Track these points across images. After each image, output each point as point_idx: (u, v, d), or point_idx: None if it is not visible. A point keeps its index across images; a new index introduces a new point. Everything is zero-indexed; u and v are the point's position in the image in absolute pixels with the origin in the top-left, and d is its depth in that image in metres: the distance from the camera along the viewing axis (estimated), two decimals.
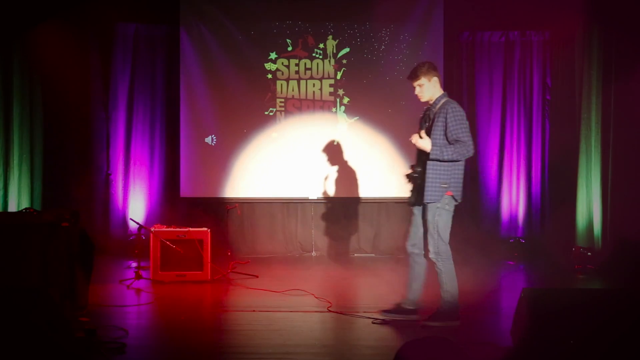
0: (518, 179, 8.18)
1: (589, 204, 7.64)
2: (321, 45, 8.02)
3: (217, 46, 7.98)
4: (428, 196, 4.60)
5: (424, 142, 4.53)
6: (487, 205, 8.20)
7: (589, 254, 7.12)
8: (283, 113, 8.05)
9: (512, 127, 8.19)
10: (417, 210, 4.75)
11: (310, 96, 8.06)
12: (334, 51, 8.03)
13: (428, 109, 4.75)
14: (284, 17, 7.99)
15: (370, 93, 7.97)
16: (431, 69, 4.66)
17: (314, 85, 8.04)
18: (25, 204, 7.24)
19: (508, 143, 8.19)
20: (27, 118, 7.40)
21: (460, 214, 7.98)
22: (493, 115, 8.20)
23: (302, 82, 8.05)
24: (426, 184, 4.60)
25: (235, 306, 5.35)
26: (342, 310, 5.02)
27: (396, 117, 7.95)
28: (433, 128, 4.60)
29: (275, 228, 8.17)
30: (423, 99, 4.71)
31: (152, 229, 6.33)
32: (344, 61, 8.01)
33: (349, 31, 8.02)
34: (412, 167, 4.72)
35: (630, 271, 6.56)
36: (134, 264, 6.82)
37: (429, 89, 4.66)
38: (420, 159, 4.66)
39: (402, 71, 7.98)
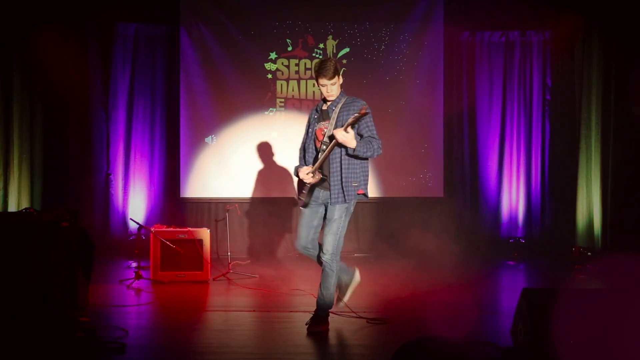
0: (518, 178, 8.18)
1: (589, 204, 7.64)
2: (321, 45, 8.03)
3: (217, 46, 7.98)
4: (341, 197, 4.43)
5: (349, 137, 4.27)
6: (487, 205, 8.21)
7: (589, 254, 7.12)
8: (283, 113, 8.05)
9: (512, 127, 8.19)
10: (309, 212, 4.55)
11: (310, 96, 8.06)
12: (334, 51, 8.03)
13: (324, 107, 4.54)
14: (284, 17, 8.00)
15: (370, 93, 7.96)
16: (339, 67, 4.55)
17: (314, 85, 8.04)
18: (25, 204, 7.25)
19: (508, 143, 8.19)
20: (27, 118, 7.40)
21: (461, 214, 8.08)
22: (493, 115, 8.20)
23: (302, 82, 8.05)
24: (335, 184, 4.43)
25: (235, 306, 5.35)
26: (341, 310, 5.01)
27: (396, 117, 7.96)
28: (339, 125, 4.42)
29: (275, 228, 8.17)
30: (333, 97, 4.49)
31: (152, 229, 6.33)
32: (344, 61, 8.01)
33: (349, 31, 8.02)
34: (318, 172, 4.44)
35: (630, 271, 6.56)
36: (134, 264, 6.82)
37: (339, 87, 4.50)
38: (324, 162, 4.44)
39: (402, 71, 7.99)
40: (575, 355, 3.62)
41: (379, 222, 8.16)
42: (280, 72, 8.04)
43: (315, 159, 4.55)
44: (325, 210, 4.55)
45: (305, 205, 4.57)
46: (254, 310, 5.12)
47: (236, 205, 7.54)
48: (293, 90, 8.05)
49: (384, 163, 7.99)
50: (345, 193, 4.43)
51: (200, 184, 8.02)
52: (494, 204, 8.20)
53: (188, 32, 7.95)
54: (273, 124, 8.04)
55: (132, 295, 5.78)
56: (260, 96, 8.03)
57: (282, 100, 8.05)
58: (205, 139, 7.99)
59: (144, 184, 8.09)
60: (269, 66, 8.03)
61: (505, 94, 8.21)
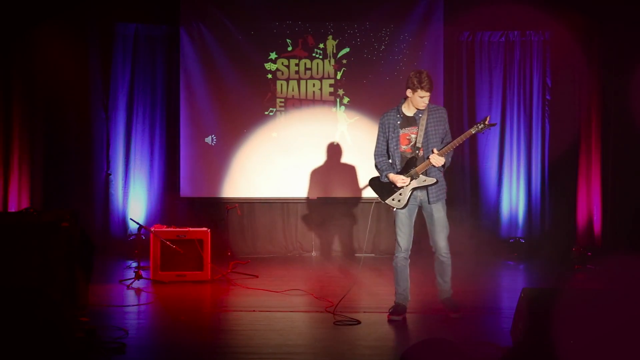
0: (518, 179, 8.18)
1: (589, 204, 7.64)
2: (321, 45, 8.02)
3: (217, 46, 7.98)
4: (443, 193, 4.80)
5: (440, 160, 4.64)
6: (487, 205, 8.20)
7: (589, 254, 7.12)
8: (283, 113, 8.05)
9: (512, 127, 8.19)
10: (408, 212, 4.83)
11: (310, 96, 8.06)
12: (334, 51, 8.03)
13: (408, 113, 4.79)
14: (284, 17, 7.99)
15: (370, 93, 7.97)
16: None
17: (314, 85, 8.04)
18: (25, 204, 7.24)
19: (508, 143, 8.18)
20: (27, 118, 7.40)
21: (461, 214, 8.07)
22: (493, 115, 8.19)
23: (302, 82, 8.05)
24: (434, 183, 4.74)
25: (235, 306, 5.36)
26: (342, 310, 5.02)
27: None
28: (432, 131, 4.74)
29: (275, 228, 8.17)
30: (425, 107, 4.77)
31: (152, 229, 6.33)
32: (344, 61, 8.01)
33: (349, 31, 8.02)
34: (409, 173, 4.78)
35: (630, 271, 6.56)
36: (134, 264, 6.82)
37: None
38: (413, 164, 4.77)
39: (402, 71, 7.98)
40: (575, 356, 3.62)
41: (380, 222, 8.16)
42: (280, 72, 8.04)
43: (408, 163, 4.77)
44: (418, 210, 4.86)
45: (404, 207, 4.79)
46: (254, 310, 5.12)
47: (236, 205, 7.54)
48: (293, 90, 8.05)
49: None
50: (444, 188, 4.79)
51: (200, 183, 8.01)
52: (494, 204, 8.20)
53: (188, 32, 7.95)
54: (273, 123, 8.03)
55: (132, 295, 5.78)
56: (260, 96, 8.03)
57: (282, 100, 8.05)
58: (205, 138, 7.98)
59: (144, 184, 8.09)
60: (269, 66, 8.03)
61: (505, 94, 8.20)
